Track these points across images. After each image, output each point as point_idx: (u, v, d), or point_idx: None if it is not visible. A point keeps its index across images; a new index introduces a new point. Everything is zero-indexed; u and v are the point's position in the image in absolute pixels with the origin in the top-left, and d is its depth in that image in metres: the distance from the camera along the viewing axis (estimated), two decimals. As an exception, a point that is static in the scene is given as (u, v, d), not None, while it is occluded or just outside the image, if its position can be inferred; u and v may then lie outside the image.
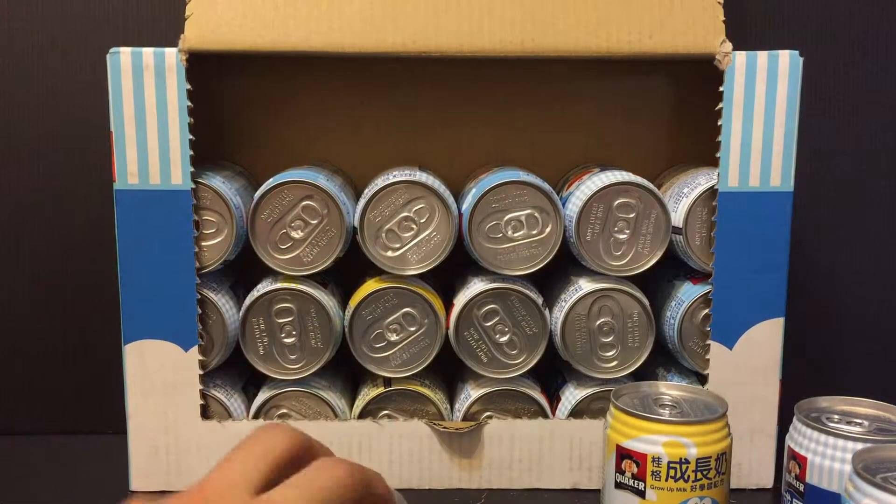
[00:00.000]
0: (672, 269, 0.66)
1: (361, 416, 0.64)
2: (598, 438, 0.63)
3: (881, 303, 0.77)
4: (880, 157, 0.75)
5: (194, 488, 0.31)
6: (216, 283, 0.64)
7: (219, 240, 0.62)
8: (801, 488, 0.50)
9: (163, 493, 0.63)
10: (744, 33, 0.72)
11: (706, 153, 0.61)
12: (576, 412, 0.64)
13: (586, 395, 0.64)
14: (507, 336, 0.63)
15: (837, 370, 0.78)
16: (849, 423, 0.50)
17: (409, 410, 0.64)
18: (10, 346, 0.74)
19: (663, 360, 0.68)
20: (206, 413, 0.63)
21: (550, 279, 0.67)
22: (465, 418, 0.64)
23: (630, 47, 0.59)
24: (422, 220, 0.61)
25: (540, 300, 0.63)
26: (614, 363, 0.63)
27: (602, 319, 0.62)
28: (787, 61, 0.59)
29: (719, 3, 0.60)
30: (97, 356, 0.74)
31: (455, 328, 0.62)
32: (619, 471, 0.50)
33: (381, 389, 0.64)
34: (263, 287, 0.63)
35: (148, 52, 0.58)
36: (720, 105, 0.59)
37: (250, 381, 0.68)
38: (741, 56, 0.58)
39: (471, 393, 0.64)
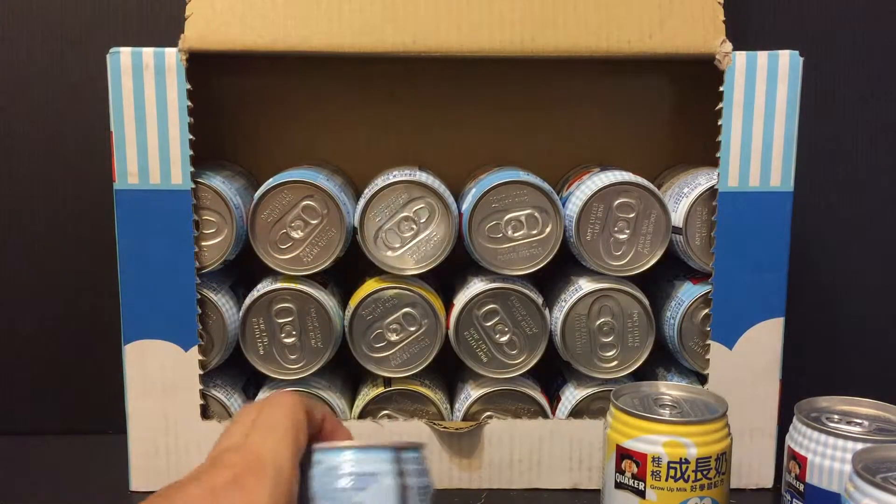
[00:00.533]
0: (672, 269, 0.66)
1: (361, 416, 0.64)
2: (598, 438, 0.63)
3: (881, 303, 0.77)
4: (880, 157, 0.75)
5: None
6: (216, 283, 0.64)
7: (219, 240, 0.62)
8: (801, 488, 0.50)
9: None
10: (744, 33, 0.72)
11: (706, 153, 0.61)
12: (576, 412, 0.64)
13: (586, 395, 0.64)
14: (507, 336, 0.63)
15: (837, 370, 0.78)
16: (849, 423, 0.50)
17: (409, 410, 0.64)
18: (11, 346, 0.74)
19: (663, 360, 0.68)
20: (206, 413, 0.63)
21: (550, 279, 0.67)
22: (465, 418, 0.64)
23: (630, 47, 0.59)
24: (422, 220, 0.61)
25: (540, 300, 0.63)
26: (614, 363, 0.63)
27: (602, 319, 0.62)
28: (787, 61, 0.59)
29: (719, 3, 0.60)
30: (97, 356, 0.74)
31: (455, 328, 0.62)
32: (619, 471, 0.50)
33: (381, 389, 0.64)
34: (263, 287, 0.63)
35: (148, 51, 0.58)
36: (720, 105, 0.59)
37: (250, 381, 0.68)
38: (741, 56, 0.58)
39: (471, 393, 0.64)
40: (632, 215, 0.61)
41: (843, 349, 0.77)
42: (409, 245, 0.61)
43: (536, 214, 0.61)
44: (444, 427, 0.63)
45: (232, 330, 0.63)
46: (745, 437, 0.62)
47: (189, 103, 0.59)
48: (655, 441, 0.49)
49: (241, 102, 0.70)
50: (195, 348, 0.61)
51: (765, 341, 0.61)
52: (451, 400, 0.66)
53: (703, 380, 0.63)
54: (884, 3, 0.73)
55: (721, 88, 0.59)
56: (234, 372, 0.67)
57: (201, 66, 0.60)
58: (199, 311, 0.61)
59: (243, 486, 0.33)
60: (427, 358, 0.63)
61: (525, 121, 0.71)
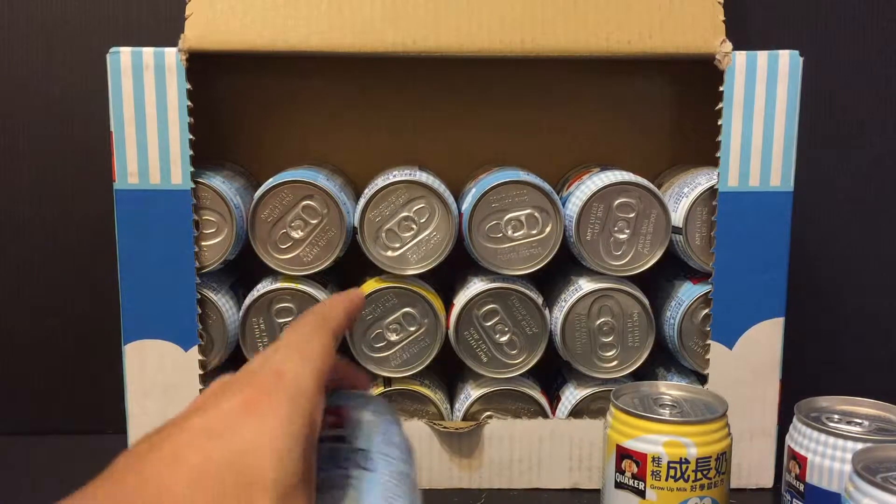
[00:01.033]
0: (672, 268, 0.66)
1: (361, 416, 0.64)
2: (598, 438, 0.63)
3: (881, 303, 0.77)
4: (880, 157, 0.75)
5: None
6: (216, 283, 0.64)
7: (219, 240, 0.62)
8: (801, 488, 0.50)
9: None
10: (744, 33, 0.72)
11: (706, 153, 0.61)
12: (576, 412, 0.64)
13: (586, 394, 0.64)
14: (507, 336, 0.63)
15: (837, 370, 0.77)
16: (849, 423, 0.50)
17: (409, 410, 0.64)
18: (11, 346, 0.74)
19: (663, 360, 0.68)
20: (206, 413, 0.63)
21: (550, 279, 0.67)
22: (465, 418, 0.64)
23: (630, 47, 0.59)
24: (422, 220, 0.61)
25: (540, 300, 0.63)
26: (614, 363, 0.63)
27: (602, 319, 0.62)
28: (787, 61, 0.59)
29: (719, 3, 0.60)
30: (97, 356, 0.74)
31: (455, 328, 0.62)
32: (619, 471, 0.50)
33: (381, 389, 0.64)
34: (263, 287, 0.63)
35: (148, 51, 0.58)
36: (720, 105, 0.59)
37: (250, 381, 0.68)
38: (741, 56, 0.58)
39: (471, 393, 0.64)
40: (632, 215, 0.61)
41: (843, 349, 0.77)
42: (409, 245, 0.61)
43: (536, 214, 0.61)
44: (444, 427, 0.63)
45: (232, 330, 0.63)
46: (745, 437, 0.62)
47: (189, 103, 0.59)
48: (655, 441, 0.49)
49: (241, 102, 0.70)
50: (195, 348, 0.61)
51: (765, 341, 0.61)
52: (451, 400, 0.66)
53: (703, 380, 0.63)
54: (884, 3, 0.73)
55: (721, 88, 0.59)
56: (235, 372, 0.67)
57: (201, 66, 0.60)
58: (199, 311, 0.61)
59: (255, 412, 0.28)
60: (427, 358, 0.63)
61: (525, 121, 0.71)
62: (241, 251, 0.64)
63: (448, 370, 0.68)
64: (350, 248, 0.63)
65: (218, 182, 0.61)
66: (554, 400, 0.66)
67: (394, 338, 0.63)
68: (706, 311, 0.62)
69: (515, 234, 0.61)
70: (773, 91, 0.59)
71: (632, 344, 0.63)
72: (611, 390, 0.53)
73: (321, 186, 0.60)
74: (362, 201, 0.61)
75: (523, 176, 0.62)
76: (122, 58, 0.58)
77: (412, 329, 0.63)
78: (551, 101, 0.71)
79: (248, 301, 0.63)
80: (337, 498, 0.32)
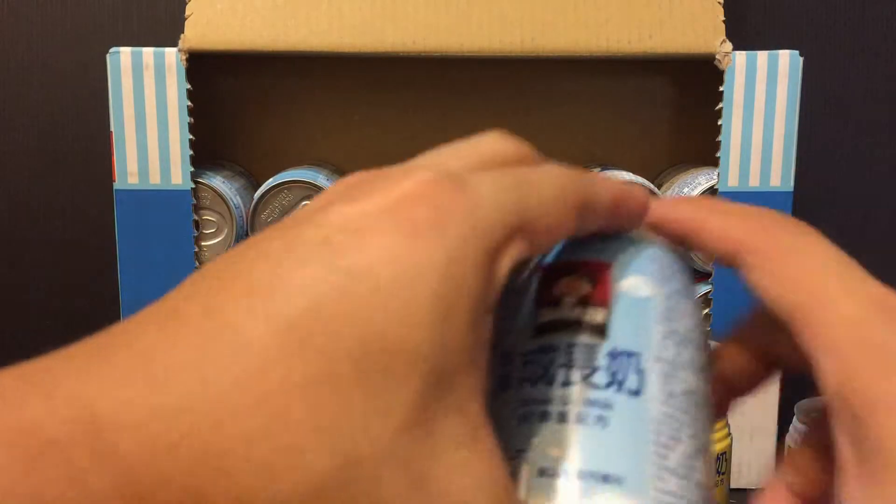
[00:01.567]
0: (672, 269, 0.66)
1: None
2: (598, 438, 0.63)
3: (881, 303, 0.77)
4: (880, 158, 0.75)
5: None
6: (216, 283, 0.64)
7: (219, 240, 0.61)
8: (802, 488, 0.50)
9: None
10: (744, 33, 0.72)
11: (706, 153, 0.61)
12: (576, 412, 0.64)
13: (586, 395, 0.63)
14: (507, 336, 0.62)
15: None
16: (849, 422, 0.50)
17: (409, 410, 0.64)
18: (10, 346, 0.74)
19: (663, 360, 0.68)
20: (206, 413, 0.63)
21: (550, 279, 0.67)
22: (465, 418, 0.64)
23: (630, 47, 0.59)
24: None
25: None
26: (614, 363, 0.63)
27: (602, 319, 0.62)
28: (787, 61, 0.59)
29: (719, 3, 0.60)
30: (97, 356, 0.73)
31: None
32: (619, 471, 0.50)
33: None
34: (263, 287, 0.62)
35: (148, 51, 0.58)
36: (720, 105, 0.59)
37: (250, 381, 0.68)
38: (741, 56, 0.58)
39: (471, 393, 0.64)
40: (632, 215, 0.61)
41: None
42: (409, 245, 0.61)
43: (536, 214, 0.61)
44: (444, 427, 0.63)
45: (232, 330, 0.63)
46: (745, 437, 0.62)
47: (189, 103, 0.59)
48: (655, 441, 0.48)
49: (241, 102, 0.70)
50: (195, 348, 0.61)
51: (765, 341, 0.61)
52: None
53: (703, 380, 0.63)
54: (884, 3, 0.73)
55: (721, 88, 0.59)
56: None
57: (201, 66, 0.60)
58: (199, 311, 0.61)
59: (414, 228, 0.17)
60: (427, 358, 0.63)
61: (525, 121, 0.71)
62: (241, 251, 0.64)
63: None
64: (350, 248, 0.63)
65: (218, 182, 0.61)
66: (554, 400, 0.66)
67: (394, 338, 0.63)
68: (706, 311, 0.62)
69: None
70: (773, 91, 0.59)
71: (632, 344, 0.63)
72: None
73: (321, 186, 0.60)
74: (362, 201, 0.61)
75: (523, 176, 0.62)
76: (122, 58, 0.58)
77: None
78: (551, 101, 0.71)
79: (248, 301, 0.62)
80: (553, 440, 0.19)
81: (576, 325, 0.21)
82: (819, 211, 0.75)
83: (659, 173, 0.70)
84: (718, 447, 0.49)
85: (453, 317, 0.17)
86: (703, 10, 0.60)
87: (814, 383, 0.22)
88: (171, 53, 0.58)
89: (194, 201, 0.60)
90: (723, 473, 0.49)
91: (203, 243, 0.61)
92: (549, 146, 0.72)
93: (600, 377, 0.20)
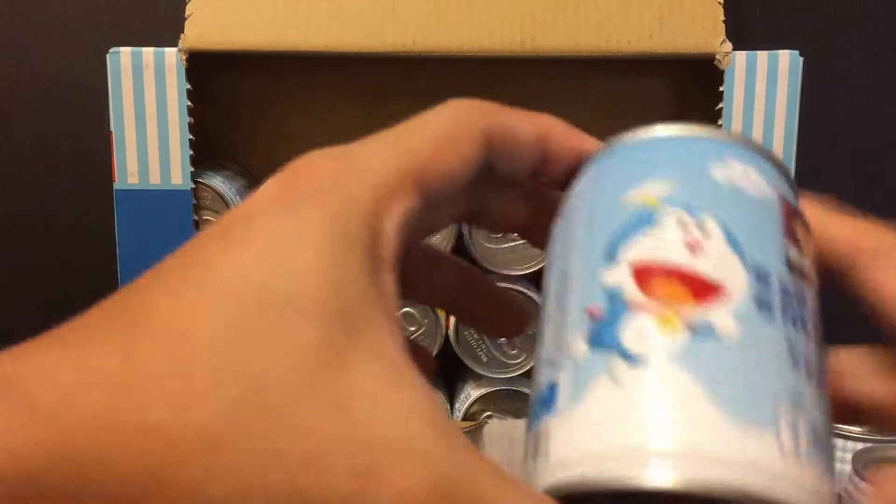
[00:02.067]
0: (672, 269, 0.66)
1: (361, 416, 0.64)
2: (598, 438, 0.63)
3: (881, 303, 0.77)
4: (880, 158, 0.75)
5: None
6: (216, 283, 0.64)
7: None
8: (802, 488, 0.50)
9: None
10: (744, 33, 0.72)
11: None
12: (576, 412, 0.64)
13: (586, 395, 0.63)
14: (507, 336, 0.62)
15: (837, 370, 0.77)
16: (849, 423, 0.50)
17: (409, 410, 0.64)
18: (10, 346, 0.74)
19: (663, 360, 0.68)
20: (206, 413, 0.63)
21: (550, 279, 0.67)
22: (465, 418, 0.64)
23: (630, 47, 0.59)
24: (422, 220, 0.61)
25: (540, 300, 0.63)
26: (614, 363, 0.63)
27: (602, 319, 0.62)
28: (787, 61, 0.59)
29: (719, 3, 0.60)
30: (97, 356, 0.73)
31: (455, 328, 0.62)
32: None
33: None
34: (263, 287, 0.62)
35: (148, 51, 0.58)
36: (720, 105, 0.59)
37: (250, 381, 0.68)
38: (741, 56, 0.58)
39: (471, 393, 0.64)
40: (632, 215, 0.61)
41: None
42: (409, 245, 0.61)
43: (536, 214, 0.61)
44: (444, 427, 0.63)
45: (232, 330, 0.63)
46: (745, 437, 0.62)
47: (189, 103, 0.59)
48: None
49: (241, 102, 0.70)
50: (195, 348, 0.61)
51: (765, 341, 0.61)
52: (451, 400, 0.66)
53: (703, 380, 0.63)
54: (884, 3, 0.73)
55: (721, 88, 0.59)
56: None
57: (201, 66, 0.60)
58: (199, 311, 0.61)
59: (291, 205, 0.19)
60: (427, 358, 0.63)
61: (525, 121, 0.71)
62: (241, 251, 0.64)
63: (448, 370, 0.68)
64: (350, 248, 0.63)
65: (218, 182, 0.61)
66: (554, 400, 0.66)
67: (394, 338, 0.63)
68: (706, 311, 0.62)
69: (516, 234, 0.61)
70: (773, 91, 0.59)
71: (632, 344, 0.63)
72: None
73: (321, 186, 0.60)
74: (362, 201, 0.61)
75: (523, 176, 0.62)
76: (122, 58, 0.58)
77: (412, 329, 0.62)
78: (551, 101, 0.71)
79: (248, 301, 0.62)
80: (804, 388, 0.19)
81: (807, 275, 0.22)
82: (819, 211, 0.75)
83: (659, 173, 0.70)
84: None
85: (345, 266, 0.18)
86: (703, 10, 0.60)
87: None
88: (171, 53, 0.58)
89: (194, 201, 0.60)
90: (723, 473, 0.49)
91: (203, 243, 0.61)
92: (549, 146, 0.72)
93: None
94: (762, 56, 0.58)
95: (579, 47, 0.59)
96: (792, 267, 0.21)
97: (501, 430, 0.63)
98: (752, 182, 0.21)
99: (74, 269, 0.74)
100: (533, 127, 0.24)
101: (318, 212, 0.19)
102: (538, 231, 0.26)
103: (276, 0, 0.59)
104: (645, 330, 0.19)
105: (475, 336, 0.62)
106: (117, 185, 0.59)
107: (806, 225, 0.23)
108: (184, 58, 0.58)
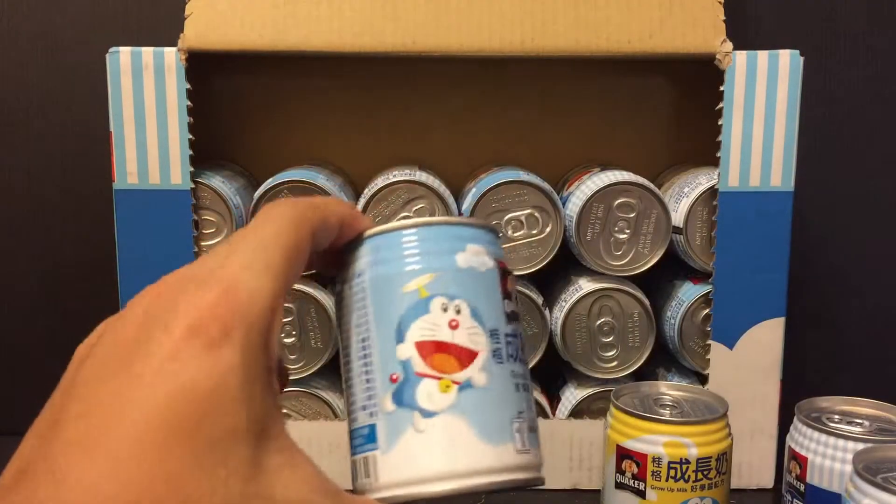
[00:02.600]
0: (672, 269, 0.66)
1: (361, 416, 0.64)
2: (598, 438, 0.63)
3: (881, 303, 0.77)
4: (880, 157, 0.75)
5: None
6: (216, 283, 0.64)
7: (219, 240, 0.61)
8: (802, 488, 0.50)
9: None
10: (744, 33, 0.72)
11: (706, 153, 0.61)
12: (576, 412, 0.64)
13: (586, 395, 0.63)
14: (508, 336, 0.62)
15: (837, 370, 0.77)
16: (849, 423, 0.50)
17: (409, 410, 0.64)
18: (11, 346, 0.74)
19: (663, 360, 0.68)
20: (205, 413, 0.63)
21: (550, 279, 0.67)
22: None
23: (630, 47, 0.59)
24: (422, 220, 0.61)
25: (540, 300, 0.63)
26: (614, 363, 0.63)
27: (602, 319, 0.62)
28: (787, 61, 0.59)
29: (719, 2, 0.60)
30: (97, 356, 0.73)
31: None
32: (620, 471, 0.50)
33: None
34: (263, 287, 0.62)
35: (147, 51, 0.58)
36: (720, 105, 0.59)
37: (250, 382, 0.68)
38: (741, 56, 0.58)
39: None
40: (632, 215, 0.61)
41: (844, 349, 0.77)
42: (409, 245, 0.61)
43: (536, 214, 0.61)
44: (445, 427, 0.63)
45: (232, 330, 0.63)
46: (745, 437, 0.62)
47: (189, 103, 0.59)
48: (656, 441, 0.48)
49: (241, 102, 0.70)
50: (195, 348, 0.61)
51: (765, 341, 0.61)
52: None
53: (703, 380, 0.63)
54: (884, 3, 0.73)
55: (721, 88, 0.59)
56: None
57: (201, 66, 0.60)
58: (199, 312, 0.61)
59: (209, 345, 0.24)
60: (427, 358, 0.63)
61: (525, 120, 0.71)
62: (241, 251, 0.63)
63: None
64: (350, 249, 0.63)
65: (218, 182, 0.61)
66: (554, 400, 0.66)
67: (394, 338, 0.63)
68: (706, 311, 0.62)
69: (515, 234, 0.61)
70: (773, 91, 0.59)
71: (632, 344, 0.63)
72: (611, 390, 0.53)
73: (321, 186, 0.60)
74: (362, 201, 0.61)
75: (523, 176, 0.62)
76: (122, 58, 0.58)
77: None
78: (551, 101, 0.71)
79: (247, 301, 0.62)
80: (530, 403, 0.31)
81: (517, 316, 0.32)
82: (819, 211, 0.75)
83: (659, 173, 0.70)
84: (718, 447, 0.49)
85: (255, 396, 0.25)
86: (703, 10, 0.60)
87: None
88: (170, 53, 0.58)
89: (194, 201, 0.60)
90: (723, 474, 0.49)
91: (203, 243, 0.61)
92: (550, 146, 0.73)
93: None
94: (762, 56, 0.58)
95: (579, 47, 0.59)
96: (509, 317, 0.31)
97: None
98: (481, 260, 0.31)
99: (74, 268, 0.74)
100: (336, 217, 0.31)
101: (234, 354, 0.25)
102: (328, 272, 0.33)
103: (275, 0, 0.59)
104: (431, 392, 0.29)
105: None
106: (117, 185, 0.59)
107: (511, 273, 0.33)
108: (184, 58, 0.58)
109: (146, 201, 0.59)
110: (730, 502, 0.52)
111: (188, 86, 0.58)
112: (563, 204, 0.63)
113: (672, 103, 0.71)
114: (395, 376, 0.29)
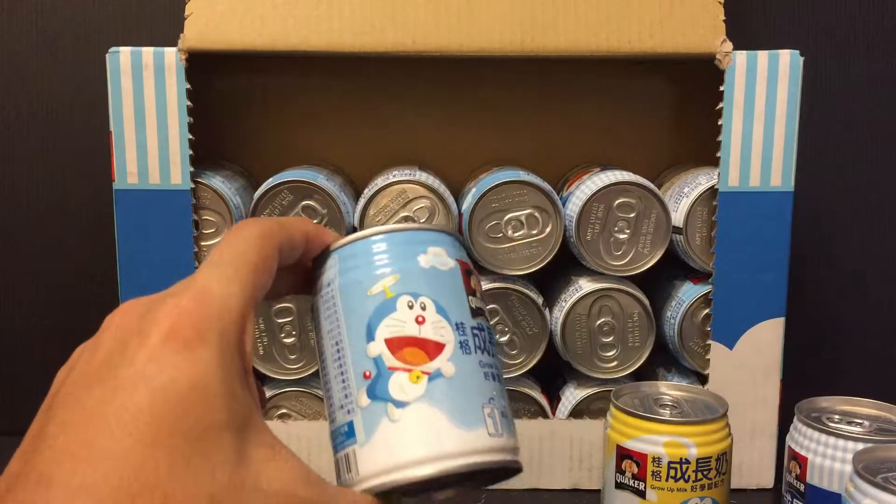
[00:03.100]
0: (672, 268, 0.66)
1: (361, 416, 0.64)
2: (598, 438, 0.63)
3: (882, 302, 0.77)
4: (880, 157, 0.75)
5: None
6: (216, 283, 0.64)
7: (219, 240, 0.61)
8: (802, 488, 0.50)
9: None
10: (744, 33, 0.72)
11: (706, 153, 0.61)
12: (576, 412, 0.64)
13: (586, 395, 0.63)
14: (507, 336, 0.62)
15: (837, 370, 0.77)
16: (849, 423, 0.50)
17: (409, 410, 0.64)
18: (11, 346, 0.74)
19: (663, 360, 0.68)
20: (205, 413, 0.63)
21: (550, 279, 0.67)
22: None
23: (630, 47, 0.59)
24: (422, 220, 0.61)
25: (540, 300, 0.63)
26: (614, 363, 0.63)
27: (602, 319, 0.62)
28: (787, 61, 0.59)
29: (719, 2, 0.60)
30: (97, 356, 0.73)
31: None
32: (620, 471, 0.50)
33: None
34: (263, 287, 0.62)
35: (147, 51, 0.58)
36: (720, 105, 0.59)
37: (250, 382, 0.68)
38: (741, 56, 0.58)
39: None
40: (632, 215, 0.61)
41: (844, 349, 0.77)
42: (409, 245, 0.61)
43: (536, 214, 0.61)
44: (444, 427, 0.63)
45: (232, 330, 0.63)
46: (745, 437, 0.62)
47: (189, 103, 0.59)
48: (656, 441, 0.48)
49: (241, 102, 0.70)
50: (195, 348, 0.61)
51: (765, 341, 0.61)
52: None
53: (703, 380, 0.63)
54: (884, 3, 0.73)
55: (721, 88, 0.59)
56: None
57: (201, 66, 0.60)
58: (199, 312, 0.61)
59: (185, 348, 0.26)
60: (427, 358, 0.63)
61: (525, 121, 0.71)
62: (241, 251, 0.63)
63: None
64: (350, 248, 0.62)
65: (218, 182, 0.61)
66: (554, 400, 0.66)
67: (394, 338, 0.63)
68: (706, 311, 0.62)
69: (515, 234, 0.61)
70: (773, 91, 0.59)
71: (632, 344, 0.63)
72: (611, 390, 0.53)
73: (321, 186, 0.60)
74: (362, 201, 0.61)
75: (523, 176, 0.62)
76: (122, 58, 0.58)
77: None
78: (551, 101, 0.71)
79: (247, 301, 0.62)
80: (502, 392, 0.32)
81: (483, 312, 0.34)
82: (819, 211, 0.75)
83: (659, 173, 0.70)
84: (718, 447, 0.49)
85: (235, 392, 0.26)
86: (703, 10, 0.60)
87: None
88: (170, 53, 0.58)
89: (194, 201, 0.60)
90: (723, 474, 0.49)
91: (203, 243, 0.61)
92: (550, 146, 0.73)
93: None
94: (762, 56, 0.58)
95: (579, 47, 0.59)
96: (474, 312, 0.32)
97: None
98: (442, 260, 0.33)
99: (74, 268, 0.74)
100: (301, 233, 0.32)
101: (211, 355, 0.26)
102: (303, 292, 0.35)
103: (275, 0, 0.59)
104: (402, 383, 0.30)
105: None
106: (117, 185, 0.59)
107: (474, 273, 0.34)
108: (183, 57, 0.58)
109: (146, 201, 0.59)
110: (730, 502, 0.52)
111: (188, 86, 0.58)
112: (563, 204, 0.63)
113: (672, 103, 0.71)
114: (367, 373, 0.31)
